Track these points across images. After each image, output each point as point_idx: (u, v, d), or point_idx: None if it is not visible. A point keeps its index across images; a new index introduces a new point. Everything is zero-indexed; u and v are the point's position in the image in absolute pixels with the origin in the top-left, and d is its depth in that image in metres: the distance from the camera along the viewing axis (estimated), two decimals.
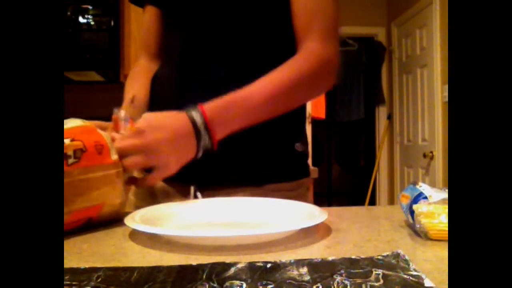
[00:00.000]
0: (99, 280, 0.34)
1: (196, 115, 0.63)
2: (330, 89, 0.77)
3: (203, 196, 0.72)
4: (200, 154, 0.65)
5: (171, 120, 0.63)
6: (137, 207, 0.74)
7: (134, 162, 0.60)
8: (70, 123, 0.57)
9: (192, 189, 0.73)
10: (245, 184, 0.72)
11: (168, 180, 0.75)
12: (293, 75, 0.68)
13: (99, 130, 0.59)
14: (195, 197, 0.72)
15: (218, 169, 0.71)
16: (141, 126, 0.61)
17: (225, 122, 0.65)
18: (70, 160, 0.51)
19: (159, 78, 0.80)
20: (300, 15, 0.72)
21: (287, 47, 0.75)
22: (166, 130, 0.62)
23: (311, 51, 0.71)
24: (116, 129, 0.66)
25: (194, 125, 0.63)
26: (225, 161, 0.71)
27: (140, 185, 0.68)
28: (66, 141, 0.52)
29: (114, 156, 0.58)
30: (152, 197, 0.77)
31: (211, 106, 0.64)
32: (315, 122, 2.65)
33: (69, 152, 0.51)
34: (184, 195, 0.74)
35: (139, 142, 0.60)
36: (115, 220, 0.59)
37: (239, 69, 0.73)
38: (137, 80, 0.83)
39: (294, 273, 0.35)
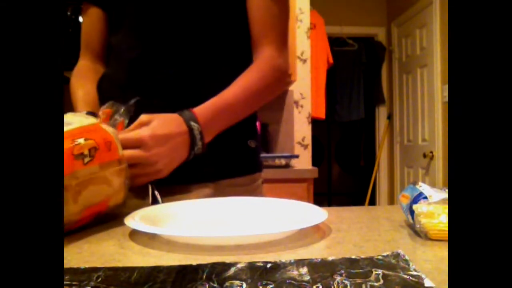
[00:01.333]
0: (99, 280, 0.34)
1: (193, 124, 0.65)
2: (280, 92, 0.85)
3: (160, 193, 0.73)
4: (190, 158, 0.67)
5: (172, 129, 0.64)
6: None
7: (133, 173, 0.61)
8: (77, 122, 0.58)
9: (150, 188, 0.73)
10: (200, 180, 0.75)
11: None
12: (260, 82, 0.74)
13: (104, 126, 0.59)
14: (153, 196, 0.72)
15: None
16: (145, 137, 0.61)
17: (213, 129, 0.69)
18: (86, 159, 0.53)
19: (109, 78, 0.80)
20: (255, 24, 0.77)
21: (238, 51, 0.79)
22: (168, 143, 0.63)
23: (269, 58, 0.76)
24: (105, 122, 0.66)
25: (191, 135, 0.65)
26: None
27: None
28: (81, 140, 0.53)
29: (121, 152, 0.59)
30: None
31: (204, 113, 0.67)
32: (315, 122, 2.65)
33: (85, 151, 0.53)
34: (140, 196, 0.74)
35: (141, 155, 0.61)
36: (116, 211, 0.61)
37: (193, 71, 0.75)
38: (87, 79, 0.83)
39: (294, 273, 0.35)
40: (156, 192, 0.73)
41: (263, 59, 0.77)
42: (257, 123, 0.88)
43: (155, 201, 0.72)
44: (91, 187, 0.53)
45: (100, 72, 0.83)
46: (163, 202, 0.69)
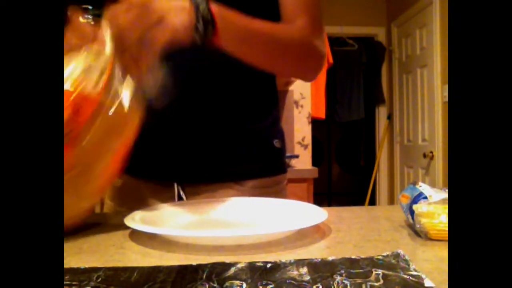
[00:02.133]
0: (99, 280, 0.34)
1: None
2: (313, 77, 0.76)
3: (185, 193, 0.73)
4: (198, 26, 0.54)
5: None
6: (117, 211, 0.74)
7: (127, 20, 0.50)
8: None
9: (176, 188, 0.73)
10: (225, 179, 0.73)
11: (148, 179, 0.75)
12: (286, 34, 0.67)
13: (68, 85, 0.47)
14: (179, 196, 0.72)
15: (199, 166, 0.72)
16: None
17: (227, 20, 0.58)
18: (66, 139, 0.44)
19: None
20: (286, 6, 0.71)
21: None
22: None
23: (301, 29, 0.69)
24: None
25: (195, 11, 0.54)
26: (206, 157, 0.72)
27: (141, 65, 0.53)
28: None
29: (96, 86, 0.47)
30: (131, 201, 0.76)
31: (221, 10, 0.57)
32: (315, 122, 2.65)
33: None
34: (166, 196, 0.73)
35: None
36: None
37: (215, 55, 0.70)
38: None
39: (294, 273, 0.35)
40: (182, 192, 0.73)
41: (295, 26, 0.69)
42: None
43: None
44: (98, 144, 0.47)
45: None
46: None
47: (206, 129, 0.72)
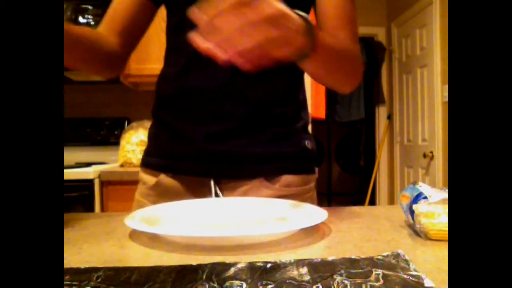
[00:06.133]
0: (99, 280, 0.34)
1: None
2: (350, 88, 0.75)
3: (220, 188, 0.74)
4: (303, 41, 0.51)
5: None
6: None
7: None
8: None
9: (212, 184, 0.74)
10: (259, 175, 0.75)
11: (183, 174, 0.76)
12: (351, 51, 0.70)
13: None
14: (216, 194, 0.73)
15: (234, 162, 0.74)
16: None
17: (323, 37, 0.58)
18: None
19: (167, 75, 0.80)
20: (331, 19, 0.74)
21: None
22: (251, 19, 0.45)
23: (348, 41, 0.72)
24: None
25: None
26: (240, 154, 0.74)
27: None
28: None
29: None
30: (166, 199, 0.76)
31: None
32: (315, 122, 2.64)
33: None
34: (202, 194, 0.75)
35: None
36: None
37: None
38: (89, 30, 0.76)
39: (294, 273, 0.35)
40: (218, 189, 0.74)
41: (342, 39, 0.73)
42: None
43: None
44: None
45: (109, 42, 0.77)
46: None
47: (242, 131, 0.74)
